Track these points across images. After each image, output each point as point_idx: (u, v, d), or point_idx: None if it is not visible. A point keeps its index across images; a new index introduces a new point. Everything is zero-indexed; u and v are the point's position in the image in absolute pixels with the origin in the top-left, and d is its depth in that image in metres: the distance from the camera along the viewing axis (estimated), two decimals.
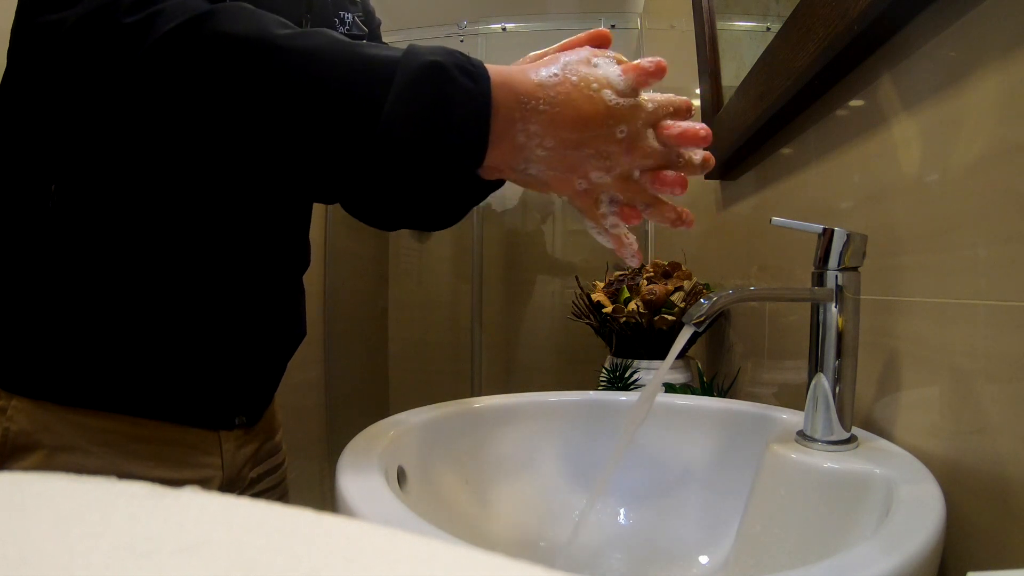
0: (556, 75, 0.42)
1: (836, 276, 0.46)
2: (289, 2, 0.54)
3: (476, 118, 0.40)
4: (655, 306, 1.05)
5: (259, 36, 0.39)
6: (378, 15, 0.71)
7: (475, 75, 0.41)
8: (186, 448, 0.55)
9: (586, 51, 0.45)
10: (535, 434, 0.62)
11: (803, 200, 0.76)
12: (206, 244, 0.52)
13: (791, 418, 0.56)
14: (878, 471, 0.42)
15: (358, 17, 0.63)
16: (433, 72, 0.40)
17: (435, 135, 0.40)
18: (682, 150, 0.45)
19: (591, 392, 0.67)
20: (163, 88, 0.39)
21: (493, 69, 0.42)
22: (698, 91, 1.22)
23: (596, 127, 0.42)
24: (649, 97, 0.44)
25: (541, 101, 0.41)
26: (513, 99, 0.41)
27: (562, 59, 0.43)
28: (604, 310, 1.09)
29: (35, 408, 0.48)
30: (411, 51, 0.41)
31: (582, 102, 0.42)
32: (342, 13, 0.62)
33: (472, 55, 0.42)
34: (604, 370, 1.04)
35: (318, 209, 2.08)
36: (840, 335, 0.46)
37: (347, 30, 0.61)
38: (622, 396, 0.67)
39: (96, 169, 0.48)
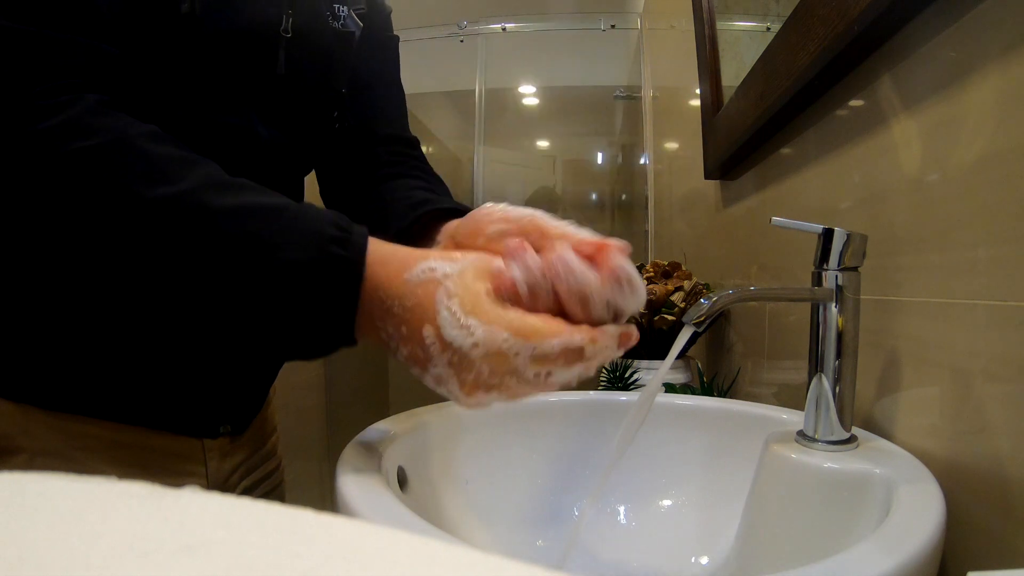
0: (425, 272, 0.37)
1: (836, 276, 0.46)
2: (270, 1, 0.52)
3: (338, 318, 0.38)
4: (655, 306, 1.05)
5: (124, 194, 0.38)
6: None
7: (344, 276, 0.38)
8: (169, 455, 0.54)
9: (483, 260, 0.39)
10: (535, 434, 0.62)
11: (803, 200, 0.76)
12: None
13: (791, 418, 0.56)
14: (878, 471, 0.42)
15: (356, 10, 0.61)
16: (295, 272, 0.37)
17: (287, 327, 0.38)
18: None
19: (591, 392, 0.67)
20: (46, 196, 0.40)
21: (372, 255, 0.38)
22: (698, 91, 1.22)
23: (427, 352, 0.37)
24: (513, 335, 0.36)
25: (396, 302, 0.37)
26: (375, 294, 0.38)
27: (445, 261, 0.38)
28: None
29: (16, 411, 0.47)
30: (279, 234, 0.38)
31: (421, 320, 0.37)
32: (336, 7, 0.60)
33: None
34: (604, 370, 1.04)
35: None
36: (840, 335, 0.46)
37: (340, 25, 0.60)
38: (622, 396, 0.67)
39: None
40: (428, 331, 0.36)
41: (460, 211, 0.53)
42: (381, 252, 0.39)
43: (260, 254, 0.37)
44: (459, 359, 0.36)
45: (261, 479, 0.66)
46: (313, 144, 0.62)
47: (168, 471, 0.54)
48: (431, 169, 0.67)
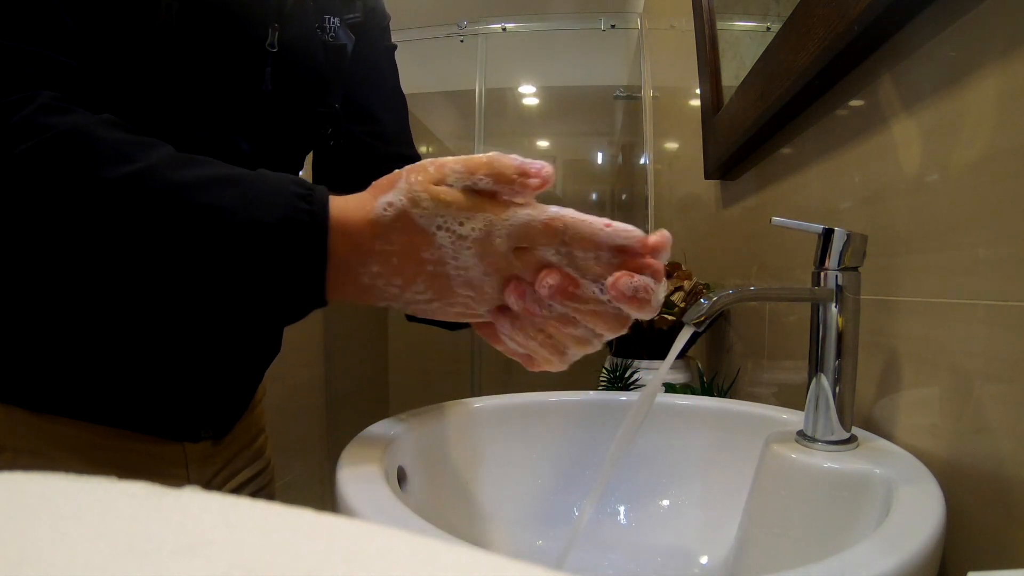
0: (391, 204, 0.38)
1: (836, 276, 0.46)
2: (257, 7, 0.51)
3: (308, 274, 0.38)
4: None
5: (85, 178, 0.38)
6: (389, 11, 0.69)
7: (309, 238, 0.38)
8: (150, 458, 0.54)
9: (432, 164, 0.40)
10: (535, 434, 0.62)
11: (803, 200, 0.76)
12: None
13: (791, 418, 0.56)
14: (878, 471, 0.42)
15: (350, 20, 0.60)
16: (257, 233, 0.37)
17: (257, 291, 0.39)
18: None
19: (591, 392, 0.67)
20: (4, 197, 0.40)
21: (333, 209, 0.39)
22: (698, 91, 1.22)
23: (434, 250, 0.38)
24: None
25: (376, 244, 0.38)
26: (348, 245, 0.38)
27: (403, 180, 0.39)
28: None
29: (2, 411, 0.48)
30: (243, 199, 0.38)
31: (417, 233, 0.38)
32: (326, 18, 0.59)
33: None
34: (604, 370, 1.04)
35: None
36: (840, 335, 0.46)
37: (331, 38, 0.59)
38: (622, 396, 0.67)
39: None
40: (428, 252, 0.38)
41: None
42: (342, 203, 0.40)
43: (229, 219, 0.38)
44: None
45: (247, 481, 0.66)
46: (300, 157, 0.62)
47: (151, 473, 0.54)
48: None
